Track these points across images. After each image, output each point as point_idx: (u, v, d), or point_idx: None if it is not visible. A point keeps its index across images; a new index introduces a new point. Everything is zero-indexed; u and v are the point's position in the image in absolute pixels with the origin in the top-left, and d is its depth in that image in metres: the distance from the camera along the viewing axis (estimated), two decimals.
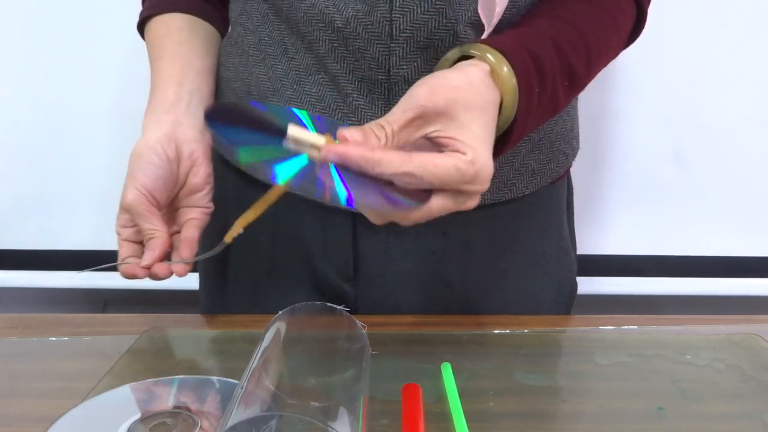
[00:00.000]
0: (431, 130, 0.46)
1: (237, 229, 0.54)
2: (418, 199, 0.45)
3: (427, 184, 0.45)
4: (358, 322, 0.50)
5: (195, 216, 0.62)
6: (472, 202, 0.47)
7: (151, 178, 0.59)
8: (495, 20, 0.54)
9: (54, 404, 0.47)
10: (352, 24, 0.57)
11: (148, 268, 0.57)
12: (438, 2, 0.56)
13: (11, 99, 1.03)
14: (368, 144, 0.43)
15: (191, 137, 0.62)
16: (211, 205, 0.63)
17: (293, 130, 0.44)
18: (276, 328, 0.48)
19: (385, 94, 0.59)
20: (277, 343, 0.47)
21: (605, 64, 0.61)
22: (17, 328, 0.62)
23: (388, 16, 0.56)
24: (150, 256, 0.57)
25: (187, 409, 0.46)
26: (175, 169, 0.60)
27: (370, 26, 0.56)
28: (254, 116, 0.52)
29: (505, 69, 0.49)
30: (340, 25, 0.57)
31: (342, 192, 0.42)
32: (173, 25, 0.67)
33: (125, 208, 0.59)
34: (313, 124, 0.49)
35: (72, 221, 1.08)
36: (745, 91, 1.01)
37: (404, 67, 0.58)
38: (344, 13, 0.57)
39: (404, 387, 0.49)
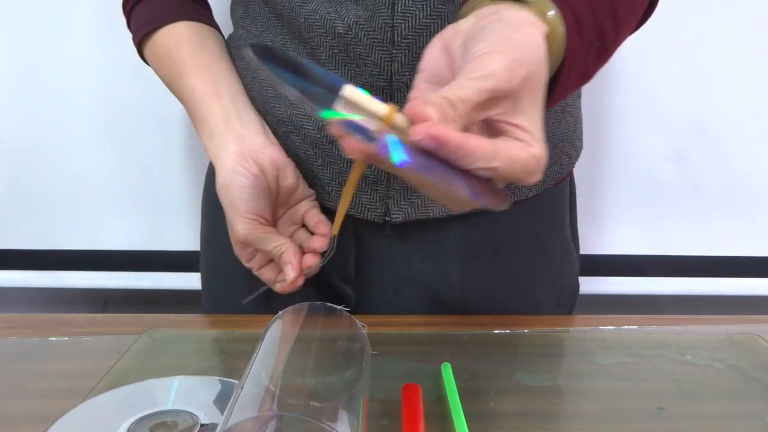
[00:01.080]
0: (497, 111, 0.40)
1: (340, 219, 0.50)
2: (481, 185, 0.39)
3: (500, 178, 0.40)
4: (358, 321, 0.50)
5: (307, 207, 0.62)
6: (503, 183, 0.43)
7: (249, 201, 0.58)
8: None
9: (54, 404, 0.47)
10: (353, 30, 0.56)
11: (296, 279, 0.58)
12: (440, 6, 0.56)
13: (11, 99, 1.03)
14: (448, 124, 0.37)
15: (261, 144, 0.60)
16: (311, 191, 0.63)
17: (350, 91, 0.38)
18: (276, 327, 0.48)
19: (386, 100, 0.59)
20: (276, 342, 0.46)
21: (625, 38, 0.56)
22: (17, 328, 0.62)
23: (390, 21, 0.56)
24: (291, 269, 0.58)
25: (187, 409, 0.46)
26: (264, 182, 0.59)
27: (371, 32, 0.56)
28: (304, 65, 0.44)
29: (552, 12, 0.43)
30: (341, 31, 0.57)
31: (399, 156, 0.35)
32: (181, 34, 0.65)
33: (243, 243, 0.59)
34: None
35: (72, 221, 1.08)
36: (746, 91, 1.01)
37: (406, 73, 0.57)
38: (346, 19, 0.56)
39: (404, 387, 0.49)
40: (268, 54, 0.41)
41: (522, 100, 0.40)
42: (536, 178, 0.40)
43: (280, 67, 0.40)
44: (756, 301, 1.11)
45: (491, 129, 0.41)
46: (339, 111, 0.37)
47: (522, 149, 0.39)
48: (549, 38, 0.43)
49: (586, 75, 0.50)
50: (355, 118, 0.37)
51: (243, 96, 0.64)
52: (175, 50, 0.64)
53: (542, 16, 0.43)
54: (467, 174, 0.38)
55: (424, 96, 0.38)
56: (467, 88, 0.38)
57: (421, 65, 0.43)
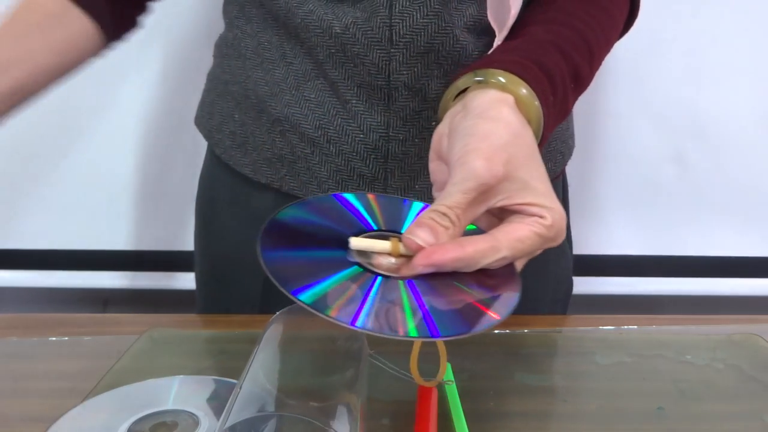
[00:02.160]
0: (495, 201, 0.42)
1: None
2: (501, 274, 0.41)
3: (516, 260, 0.41)
4: None
5: None
6: (540, 251, 0.44)
7: None
8: (509, 23, 0.53)
9: (54, 404, 0.47)
10: (351, 30, 0.57)
11: None
12: (436, 6, 0.56)
13: None
14: (442, 241, 0.39)
15: None
16: None
17: (356, 242, 0.40)
18: (274, 327, 0.48)
19: (384, 99, 0.59)
20: (275, 342, 0.46)
21: (604, 58, 0.60)
22: (17, 328, 0.62)
23: (388, 21, 0.56)
24: None
25: (187, 409, 0.46)
26: None
27: (369, 32, 0.56)
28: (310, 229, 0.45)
29: (524, 90, 0.46)
30: (338, 31, 0.57)
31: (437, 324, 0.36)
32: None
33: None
34: (364, 206, 0.45)
35: (72, 221, 1.08)
36: (745, 91, 1.01)
37: (404, 72, 0.58)
38: (343, 19, 0.57)
39: (420, 388, 0.49)
40: (272, 246, 0.40)
41: (517, 179, 0.42)
42: (561, 238, 0.42)
43: (286, 250, 0.40)
44: (756, 301, 1.11)
45: (506, 215, 0.43)
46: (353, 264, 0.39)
47: (525, 228, 0.41)
48: (525, 112, 0.45)
49: (566, 112, 0.53)
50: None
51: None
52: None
53: (517, 96, 0.45)
54: (487, 272, 0.40)
55: (417, 219, 0.40)
56: (453, 194, 0.41)
57: (431, 178, 0.47)
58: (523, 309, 0.66)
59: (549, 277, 0.71)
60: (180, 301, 1.06)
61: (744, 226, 1.07)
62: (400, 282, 0.39)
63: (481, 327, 0.37)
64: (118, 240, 1.09)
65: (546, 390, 0.52)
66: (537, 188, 0.42)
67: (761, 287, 1.10)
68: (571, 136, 0.72)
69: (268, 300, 0.68)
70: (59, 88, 1.03)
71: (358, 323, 0.35)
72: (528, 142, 0.44)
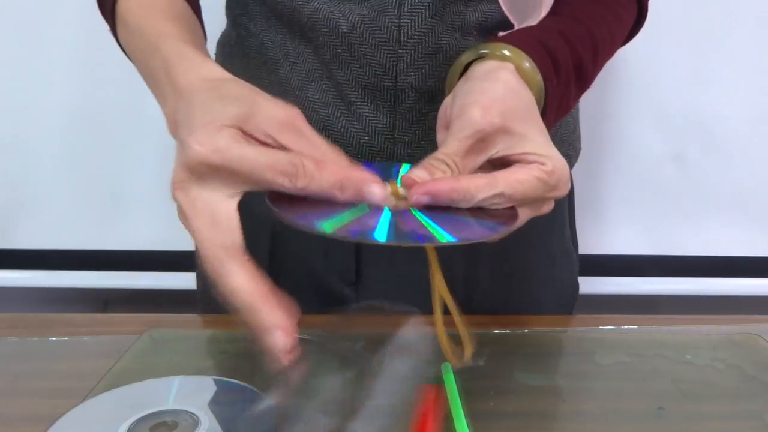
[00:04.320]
0: (494, 151, 0.43)
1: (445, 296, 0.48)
2: (500, 215, 0.42)
3: (516, 202, 0.43)
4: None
5: None
6: (548, 207, 0.45)
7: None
8: (537, 18, 0.53)
9: (54, 404, 0.47)
10: (358, 29, 0.56)
11: None
12: (446, 4, 0.55)
13: (11, 99, 1.03)
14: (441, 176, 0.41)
15: None
16: None
17: None
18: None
19: (390, 101, 0.58)
20: None
21: (608, 59, 0.60)
22: (17, 328, 0.62)
23: (396, 21, 0.55)
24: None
25: (187, 409, 0.46)
26: None
27: (377, 31, 0.56)
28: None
29: (527, 64, 0.47)
30: (345, 30, 0.56)
31: (440, 232, 0.39)
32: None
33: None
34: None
35: (72, 221, 1.08)
36: (746, 91, 1.01)
37: (412, 73, 0.57)
38: (350, 18, 0.56)
39: (423, 388, 0.49)
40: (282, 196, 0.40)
41: (515, 131, 0.43)
42: (565, 188, 0.43)
43: (297, 204, 0.40)
44: (756, 301, 1.11)
45: (504, 165, 0.43)
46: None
47: (524, 171, 0.42)
48: (527, 81, 0.46)
49: (567, 108, 0.54)
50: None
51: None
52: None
53: (520, 67, 0.46)
54: (489, 211, 0.42)
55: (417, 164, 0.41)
56: (450, 143, 0.42)
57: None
58: (526, 311, 0.67)
59: (554, 282, 0.71)
60: (180, 301, 1.06)
61: (744, 226, 1.07)
62: (411, 210, 0.40)
63: (490, 232, 0.40)
64: (118, 240, 1.09)
65: (546, 390, 0.52)
66: (536, 139, 0.43)
67: (761, 287, 1.10)
68: (578, 139, 0.71)
69: None
70: (59, 88, 1.03)
71: (381, 238, 0.37)
72: (526, 99, 0.45)
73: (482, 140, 0.42)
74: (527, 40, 0.48)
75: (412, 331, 0.49)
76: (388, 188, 0.41)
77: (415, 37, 0.56)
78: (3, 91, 1.03)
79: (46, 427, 0.45)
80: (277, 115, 0.40)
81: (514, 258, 0.67)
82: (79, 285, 1.11)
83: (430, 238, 0.38)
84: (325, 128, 0.60)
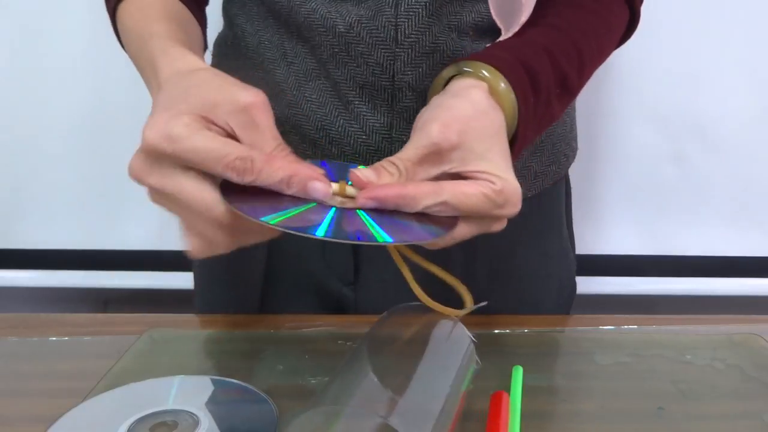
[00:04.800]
0: (449, 166, 0.45)
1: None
2: (444, 223, 0.44)
3: (459, 213, 0.44)
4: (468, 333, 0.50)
5: None
6: (499, 225, 0.47)
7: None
8: (518, 24, 0.53)
9: (54, 404, 0.47)
10: (355, 29, 0.56)
11: None
12: (443, 4, 0.56)
13: (11, 98, 1.03)
14: (385, 181, 0.43)
15: None
16: None
17: None
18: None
19: (388, 100, 0.58)
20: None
21: (596, 68, 0.61)
22: (17, 328, 0.62)
23: (393, 20, 0.56)
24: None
25: (187, 409, 0.46)
26: None
27: (374, 31, 0.56)
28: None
29: (503, 85, 0.48)
30: (342, 30, 0.56)
31: (379, 232, 0.41)
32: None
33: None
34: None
35: (72, 221, 1.08)
36: (745, 90, 1.01)
37: (409, 72, 0.57)
38: (347, 18, 0.56)
39: (493, 395, 0.49)
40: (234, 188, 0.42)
41: (473, 149, 0.44)
42: (511, 206, 0.45)
43: (249, 198, 0.42)
44: (756, 301, 1.11)
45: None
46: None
47: (472, 185, 0.44)
48: (499, 102, 0.48)
49: (551, 120, 0.55)
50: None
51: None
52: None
53: (495, 89, 0.48)
54: (432, 218, 0.43)
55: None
56: (407, 149, 0.44)
57: None
58: (524, 311, 0.67)
59: (551, 281, 0.71)
60: (180, 301, 1.06)
61: (744, 226, 1.07)
62: (356, 211, 0.43)
63: (426, 236, 0.42)
64: (118, 240, 1.09)
65: (545, 390, 0.52)
66: (493, 160, 0.45)
67: (761, 287, 1.10)
68: (575, 138, 0.72)
69: (268, 300, 0.68)
70: (60, 88, 1.03)
71: (320, 233, 0.39)
72: (493, 120, 0.47)
73: (438, 154, 0.44)
74: (507, 59, 0.50)
75: (446, 331, 0.50)
76: (334, 187, 0.43)
77: (412, 36, 0.56)
78: (3, 91, 1.03)
79: (46, 427, 0.45)
80: (237, 104, 0.41)
81: (511, 257, 0.67)
82: (79, 285, 1.11)
83: (369, 237, 0.40)
84: (322, 127, 0.60)
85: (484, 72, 0.48)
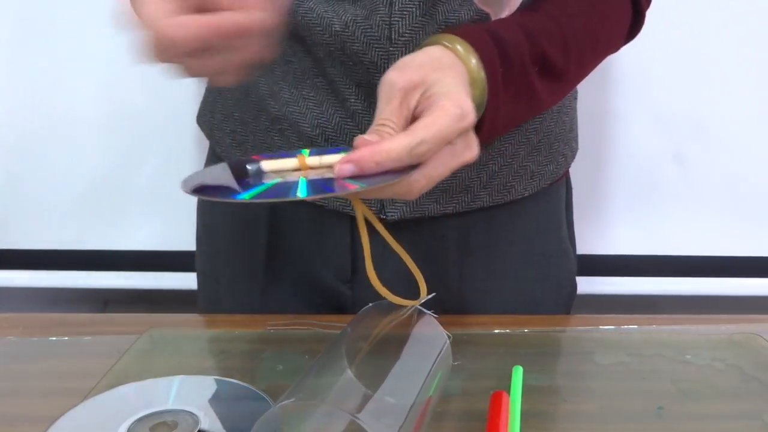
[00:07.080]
0: (414, 102, 0.46)
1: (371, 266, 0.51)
2: (406, 169, 0.44)
3: (439, 144, 0.44)
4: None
5: None
6: (470, 154, 0.47)
7: None
8: (508, 10, 0.54)
9: (54, 404, 0.47)
10: (350, 28, 0.56)
11: None
12: (436, 3, 0.56)
13: (11, 98, 1.03)
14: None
15: None
16: None
17: (267, 164, 0.46)
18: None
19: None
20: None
21: (595, 58, 0.60)
22: (17, 328, 0.62)
23: (387, 19, 0.56)
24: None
25: (187, 409, 0.46)
26: None
27: (369, 30, 0.56)
28: (230, 171, 0.49)
29: (459, 47, 0.49)
30: (338, 29, 0.57)
31: (350, 182, 0.42)
32: None
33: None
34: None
35: (72, 221, 1.08)
36: (745, 90, 1.01)
37: None
38: (343, 17, 0.56)
39: (493, 395, 0.49)
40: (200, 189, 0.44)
41: (428, 78, 0.46)
42: (471, 116, 0.45)
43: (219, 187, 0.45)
44: (756, 301, 1.11)
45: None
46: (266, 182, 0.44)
47: (434, 112, 0.44)
48: (466, 65, 0.49)
49: (532, 97, 0.55)
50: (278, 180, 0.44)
51: None
52: None
53: (455, 50, 0.49)
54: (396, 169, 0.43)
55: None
56: (381, 108, 0.46)
57: None
58: (522, 311, 0.67)
59: (549, 281, 0.71)
60: (180, 301, 1.06)
61: (744, 226, 1.07)
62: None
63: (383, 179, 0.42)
64: (118, 240, 1.09)
65: (545, 390, 0.52)
66: (446, 82, 0.46)
67: (761, 287, 1.10)
68: (575, 138, 0.71)
69: (268, 300, 0.68)
70: (60, 88, 1.03)
71: (301, 194, 0.41)
72: (450, 60, 0.48)
73: (405, 98, 0.46)
74: (474, 30, 0.51)
75: (426, 327, 0.50)
76: (296, 161, 0.45)
77: (406, 35, 0.56)
78: (3, 91, 1.03)
79: (46, 427, 0.45)
80: None
81: (508, 258, 0.67)
82: (79, 285, 1.11)
83: (342, 186, 0.42)
84: (319, 125, 0.61)
85: (444, 42, 0.50)
